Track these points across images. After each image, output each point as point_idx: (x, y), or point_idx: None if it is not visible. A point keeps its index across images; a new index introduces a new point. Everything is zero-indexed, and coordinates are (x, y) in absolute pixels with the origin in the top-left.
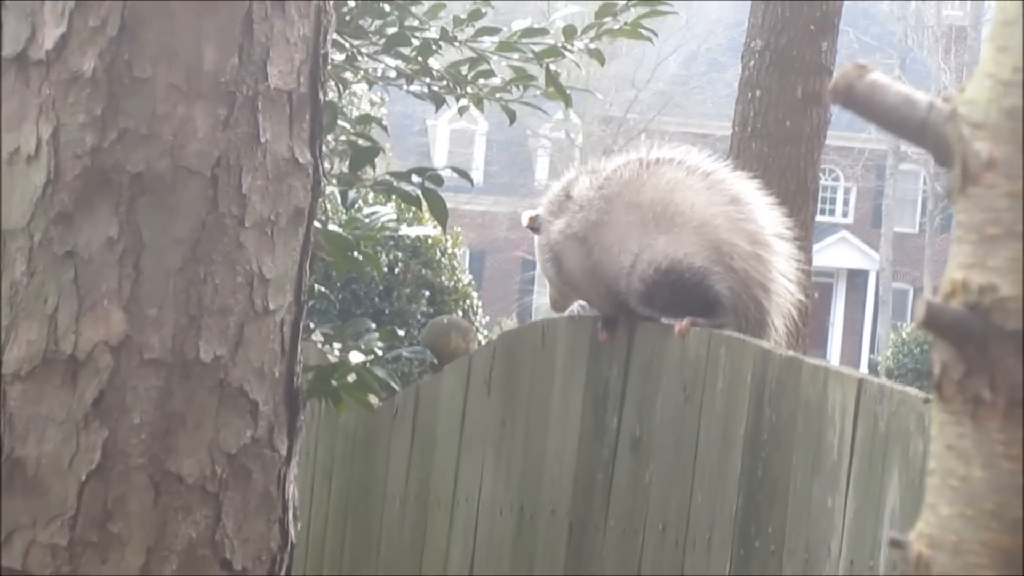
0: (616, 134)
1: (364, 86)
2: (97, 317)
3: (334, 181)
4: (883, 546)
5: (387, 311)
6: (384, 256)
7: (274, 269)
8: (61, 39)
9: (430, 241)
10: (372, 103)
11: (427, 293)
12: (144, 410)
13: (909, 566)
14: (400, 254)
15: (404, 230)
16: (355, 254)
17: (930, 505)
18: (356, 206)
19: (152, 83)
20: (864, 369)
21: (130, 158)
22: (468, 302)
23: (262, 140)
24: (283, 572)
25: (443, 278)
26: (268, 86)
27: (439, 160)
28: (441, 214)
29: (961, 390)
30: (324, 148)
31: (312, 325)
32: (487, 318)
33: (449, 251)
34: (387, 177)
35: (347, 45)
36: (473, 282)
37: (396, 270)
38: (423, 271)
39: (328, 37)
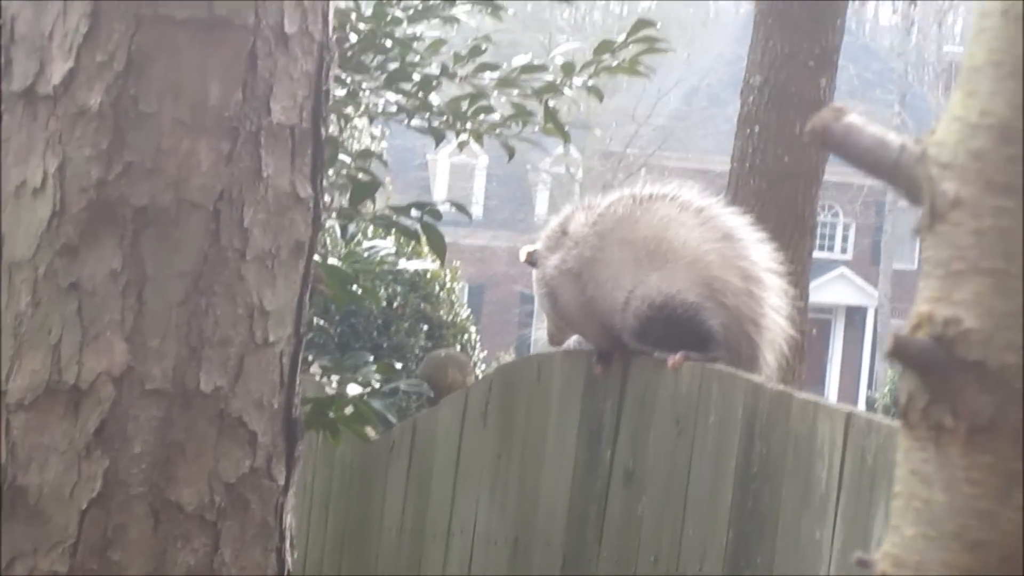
0: (616, 169)
1: (365, 120)
2: (100, 348)
3: (334, 215)
4: None
5: (385, 345)
6: (383, 290)
7: (274, 301)
8: (69, 74)
9: (429, 275)
10: (373, 137)
11: (425, 327)
12: (145, 440)
13: None
14: (399, 288)
15: (403, 264)
16: (354, 287)
17: (894, 526)
18: (355, 240)
19: (158, 118)
20: (862, 406)
21: (135, 191)
22: (466, 336)
23: (264, 174)
24: None
25: (442, 312)
26: (271, 121)
27: (439, 194)
28: (439, 248)
29: (925, 418)
30: (325, 182)
31: (310, 358)
32: (485, 352)
33: (448, 285)
34: (387, 211)
35: (349, 80)
36: (471, 316)
37: (395, 304)
38: (421, 305)
39: (330, 73)
